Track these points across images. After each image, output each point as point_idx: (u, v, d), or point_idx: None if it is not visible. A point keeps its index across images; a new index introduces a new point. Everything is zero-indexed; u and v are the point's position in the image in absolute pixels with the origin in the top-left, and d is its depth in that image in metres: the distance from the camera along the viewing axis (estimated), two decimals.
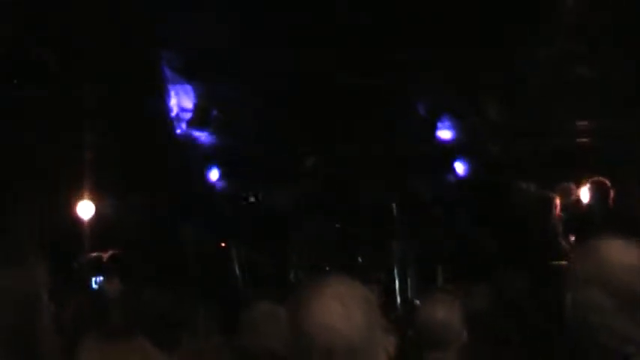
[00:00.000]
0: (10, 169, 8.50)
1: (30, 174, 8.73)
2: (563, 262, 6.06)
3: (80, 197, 9.29)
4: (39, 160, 8.79)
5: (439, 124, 10.31)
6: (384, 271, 10.10)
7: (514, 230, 9.18)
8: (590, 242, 2.19)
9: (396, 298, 9.69)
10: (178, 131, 10.08)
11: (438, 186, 10.90)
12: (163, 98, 9.69)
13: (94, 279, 6.93)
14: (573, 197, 8.18)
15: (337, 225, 10.54)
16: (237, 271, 10.05)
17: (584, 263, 2.15)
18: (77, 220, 9.10)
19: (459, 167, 10.77)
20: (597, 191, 7.53)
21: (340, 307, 1.92)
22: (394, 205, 10.52)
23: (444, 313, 3.45)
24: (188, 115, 9.95)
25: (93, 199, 9.39)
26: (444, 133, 10.45)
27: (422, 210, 10.48)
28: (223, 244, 10.30)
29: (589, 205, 7.69)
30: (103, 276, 6.33)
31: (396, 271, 10.05)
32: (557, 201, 7.60)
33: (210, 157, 10.59)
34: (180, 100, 9.87)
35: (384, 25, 8.21)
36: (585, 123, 8.83)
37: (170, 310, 3.47)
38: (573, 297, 2.12)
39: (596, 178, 7.53)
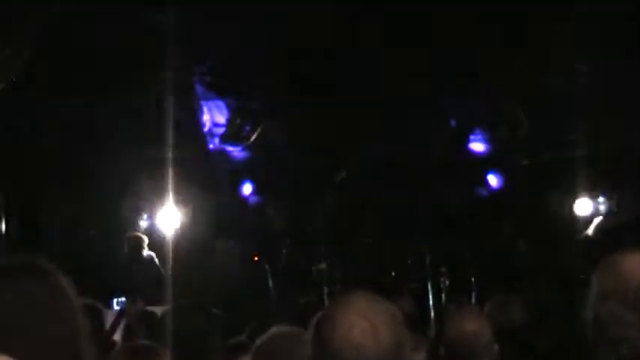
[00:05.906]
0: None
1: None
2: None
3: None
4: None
5: (471, 136, 10.27)
6: (417, 285, 10.06)
7: (548, 243, 9.10)
8: (609, 257, 2.19)
9: (429, 312, 9.63)
10: (211, 146, 10.15)
11: (471, 198, 10.84)
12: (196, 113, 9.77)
13: (115, 300, 6.91)
14: None
15: (368, 240, 10.51)
16: (271, 285, 10.09)
17: (603, 277, 2.15)
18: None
19: (492, 179, 10.70)
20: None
21: (366, 324, 1.92)
22: (427, 217, 10.48)
23: (473, 327, 3.44)
24: (221, 130, 10.03)
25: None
26: (477, 145, 10.39)
27: (455, 222, 10.42)
28: (256, 258, 10.36)
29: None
30: (126, 297, 6.28)
31: (429, 284, 10.00)
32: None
33: (243, 172, 10.64)
34: (213, 116, 9.95)
35: (415, 33, 8.21)
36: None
37: (200, 326, 3.48)
38: (594, 311, 2.12)
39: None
